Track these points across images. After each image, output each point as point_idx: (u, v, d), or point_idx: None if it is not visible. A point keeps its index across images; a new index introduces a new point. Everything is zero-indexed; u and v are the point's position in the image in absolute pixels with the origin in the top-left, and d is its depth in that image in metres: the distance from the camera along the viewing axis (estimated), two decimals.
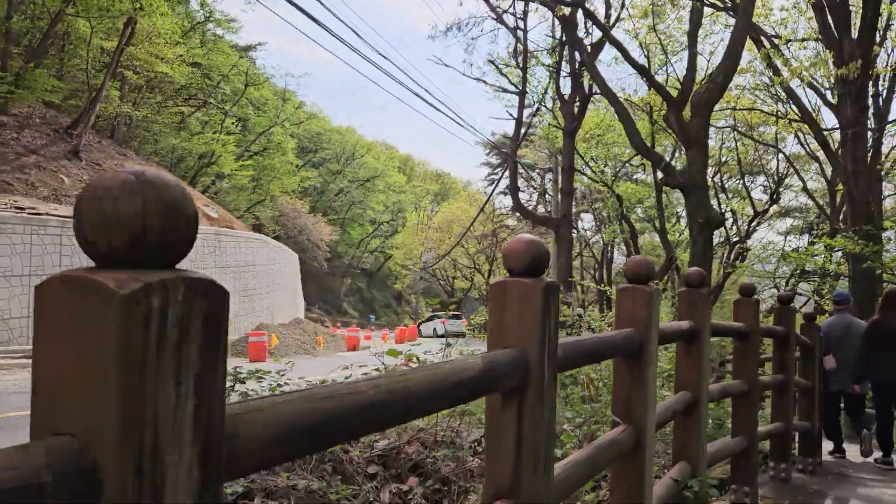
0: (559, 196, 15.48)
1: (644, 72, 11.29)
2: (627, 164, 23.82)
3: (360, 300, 77.74)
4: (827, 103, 13.10)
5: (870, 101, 12.99)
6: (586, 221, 40.34)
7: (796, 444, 6.48)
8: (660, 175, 18.64)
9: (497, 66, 17.45)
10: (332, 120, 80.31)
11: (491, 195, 31.43)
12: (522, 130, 17.88)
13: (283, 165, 51.40)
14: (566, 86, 17.84)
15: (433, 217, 60.88)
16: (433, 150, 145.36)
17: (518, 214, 34.51)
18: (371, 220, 76.64)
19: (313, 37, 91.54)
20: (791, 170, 24.05)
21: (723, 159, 28.48)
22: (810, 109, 13.96)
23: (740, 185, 25.78)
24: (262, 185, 50.61)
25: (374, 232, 76.30)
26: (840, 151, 11.79)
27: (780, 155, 23.61)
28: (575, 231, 37.92)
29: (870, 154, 11.84)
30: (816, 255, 25.23)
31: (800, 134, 24.71)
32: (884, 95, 14.91)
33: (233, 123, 43.77)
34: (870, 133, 12.56)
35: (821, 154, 25.94)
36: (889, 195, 26.45)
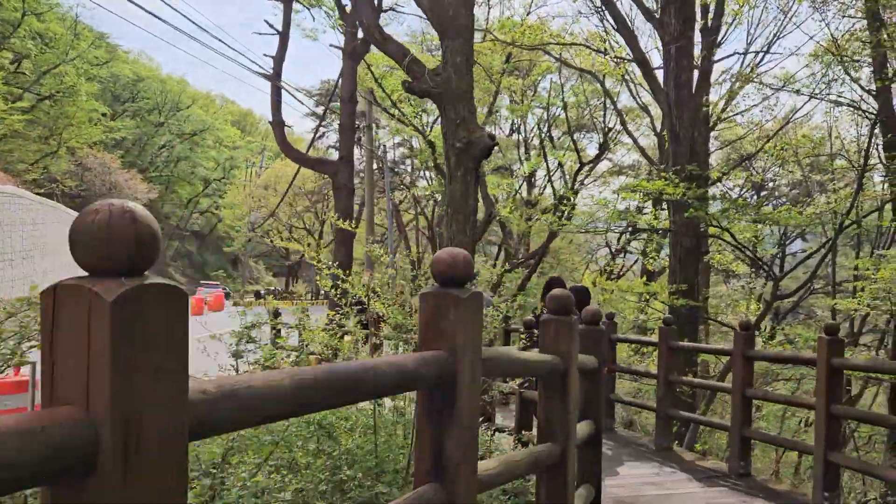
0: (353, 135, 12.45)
1: None
2: None
3: (189, 265, 71.55)
4: (649, 17, 10.83)
5: (697, 23, 10.81)
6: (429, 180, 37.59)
7: None
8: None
9: None
10: (163, 69, 72.60)
11: (310, 146, 27.79)
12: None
13: (82, 113, 44.82)
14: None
15: (262, 173, 56.21)
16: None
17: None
18: (203, 179, 71.04)
19: None
20: (621, 124, 22.35)
21: (555, 112, 26.67)
22: (629, 25, 11.67)
23: (568, 141, 23.88)
24: (56, 135, 43.84)
25: (203, 191, 70.43)
26: (663, 77, 9.53)
27: (610, 108, 21.76)
28: (407, 189, 35.13)
29: (695, 84, 9.67)
30: (645, 211, 24.01)
31: (631, 85, 23.19)
32: (710, 25, 12.98)
33: (8, 60, 36.94)
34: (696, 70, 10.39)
35: (654, 108, 24.60)
36: (716, 150, 25.57)
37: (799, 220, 9.90)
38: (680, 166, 8.60)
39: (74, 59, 40.07)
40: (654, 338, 8.04)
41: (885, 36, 10.13)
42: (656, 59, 15.29)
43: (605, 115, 19.52)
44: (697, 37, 11.23)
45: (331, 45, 13.11)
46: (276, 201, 47.12)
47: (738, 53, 16.87)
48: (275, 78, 11.43)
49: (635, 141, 19.26)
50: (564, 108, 19.62)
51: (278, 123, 11.69)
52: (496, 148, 37.84)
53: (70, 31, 40.55)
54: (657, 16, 10.30)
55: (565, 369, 3.08)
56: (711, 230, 9.96)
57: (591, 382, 3.88)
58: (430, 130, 19.74)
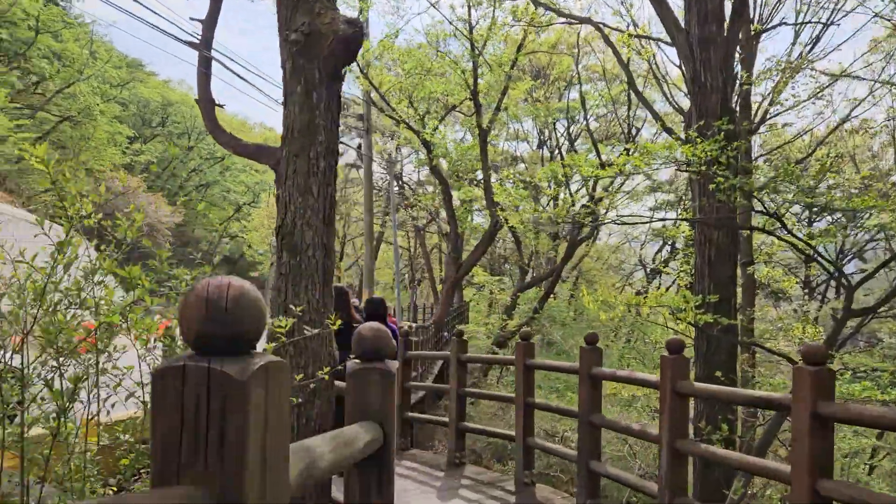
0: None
1: None
2: (455, 111, 18.87)
3: None
4: None
5: None
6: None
7: None
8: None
9: None
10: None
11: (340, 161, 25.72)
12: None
13: (102, 134, 44.02)
14: None
15: None
16: None
17: (404, 191, 29.53)
18: (234, 203, 71.09)
19: None
20: (652, 115, 19.78)
21: (580, 123, 24.33)
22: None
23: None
24: (75, 157, 43.08)
25: (234, 215, 69.90)
26: (684, 11, 7.03)
27: (636, 103, 19.20)
28: (422, 208, 32.84)
29: (728, 20, 7.11)
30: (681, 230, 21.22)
31: (664, 84, 20.64)
32: None
33: (17, 77, 36.11)
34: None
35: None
36: (760, 155, 22.72)
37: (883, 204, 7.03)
38: (705, 122, 6.07)
39: (89, 78, 39.13)
40: (656, 375, 4.65)
41: None
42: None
43: (629, 103, 16.94)
44: None
45: None
46: None
47: (785, 24, 14.08)
48: (203, 46, 9.30)
49: (669, 131, 16.52)
50: (582, 103, 17.12)
51: (206, 101, 9.50)
52: (520, 161, 35.14)
53: (86, 48, 39.71)
54: None
55: None
56: (763, 222, 7.23)
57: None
58: (433, 131, 17.44)
